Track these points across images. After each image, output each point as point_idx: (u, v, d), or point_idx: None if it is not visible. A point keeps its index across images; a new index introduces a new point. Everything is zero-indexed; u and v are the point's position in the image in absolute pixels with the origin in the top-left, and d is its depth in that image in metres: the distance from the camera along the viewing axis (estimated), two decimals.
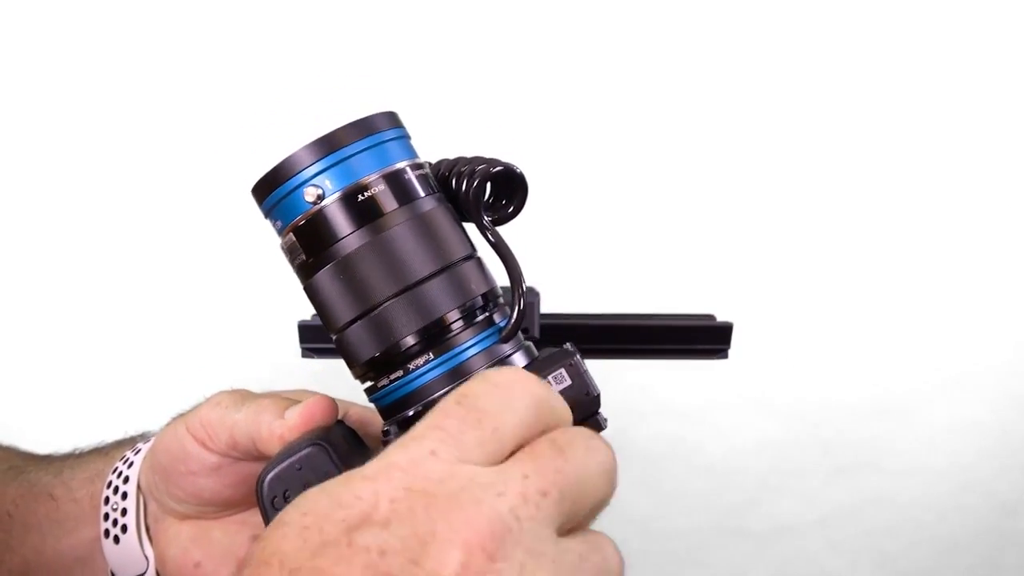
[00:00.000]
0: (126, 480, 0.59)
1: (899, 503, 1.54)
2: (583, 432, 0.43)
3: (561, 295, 0.69)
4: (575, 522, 0.41)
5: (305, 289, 0.48)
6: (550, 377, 0.47)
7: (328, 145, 0.47)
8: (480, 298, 0.48)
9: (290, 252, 0.48)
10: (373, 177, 0.47)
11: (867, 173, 1.48)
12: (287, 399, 0.54)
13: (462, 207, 0.49)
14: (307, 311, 0.66)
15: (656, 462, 1.52)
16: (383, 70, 1.42)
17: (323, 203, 0.46)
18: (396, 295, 0.46)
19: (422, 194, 0.48)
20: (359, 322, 0.47)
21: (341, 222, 0.46)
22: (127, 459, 0.60)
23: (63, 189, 1.40)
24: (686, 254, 1.42)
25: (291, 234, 0.47)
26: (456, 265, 0.47)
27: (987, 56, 1.48)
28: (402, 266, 0.46)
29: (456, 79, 1.40)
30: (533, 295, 0.64)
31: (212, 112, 1.40)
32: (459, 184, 0.49)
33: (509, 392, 0.41)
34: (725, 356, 0.66)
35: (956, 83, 1.47)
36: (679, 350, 0.66)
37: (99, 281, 1.40)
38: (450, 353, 0.47)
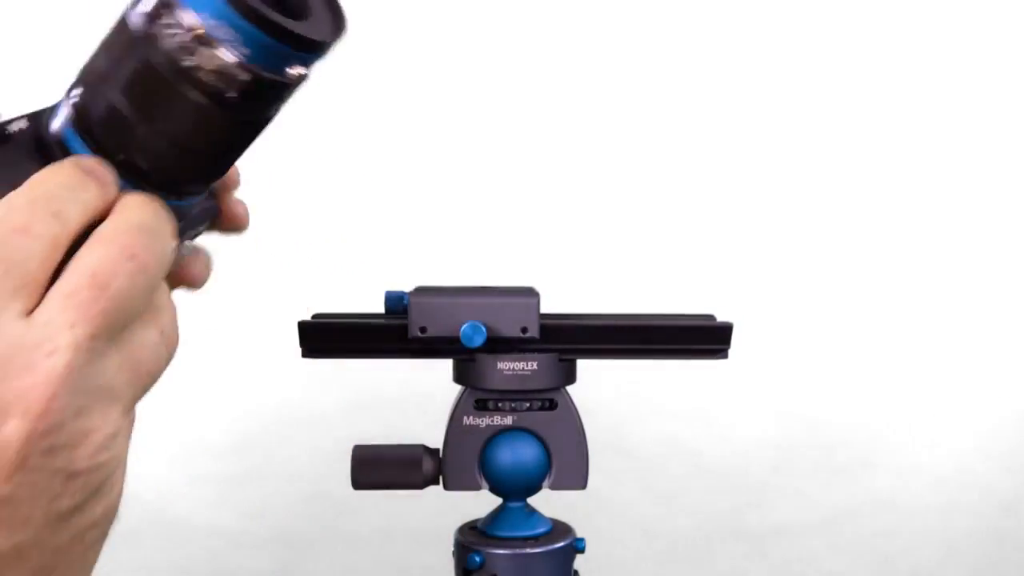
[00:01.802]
0: None
1: (899, 503, 1.54)
2: (122, 243, 0.40)
3: (561, 295, 0.69)
4: (122, 334, 0.40)
5: None
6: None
7: None
8: None
9: None
10: None
11: (865, 174, 1.48)
12: None
13: None
14: (307, 311, 0.66)
15: (656, 462, 1.52)
16: (383, 69, 1.42)
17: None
18: None
19: None
20: None
21: None
22: None
23: None
24: (686, 254, 1.42)
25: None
26: None
27: (993, 62, 1.48)
28: None
29: (458, 81, 1.40)
30: (533, 295, 0.65)
31: None
32: None
33: (41, 208, 0.39)
34: (725, 356, 0.66)
35: (959, 87, 1.47)
36: (679, 350, 0.66)
37: None
38: None
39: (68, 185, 0.41)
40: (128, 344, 0.40)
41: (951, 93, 1.47)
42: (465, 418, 0.65)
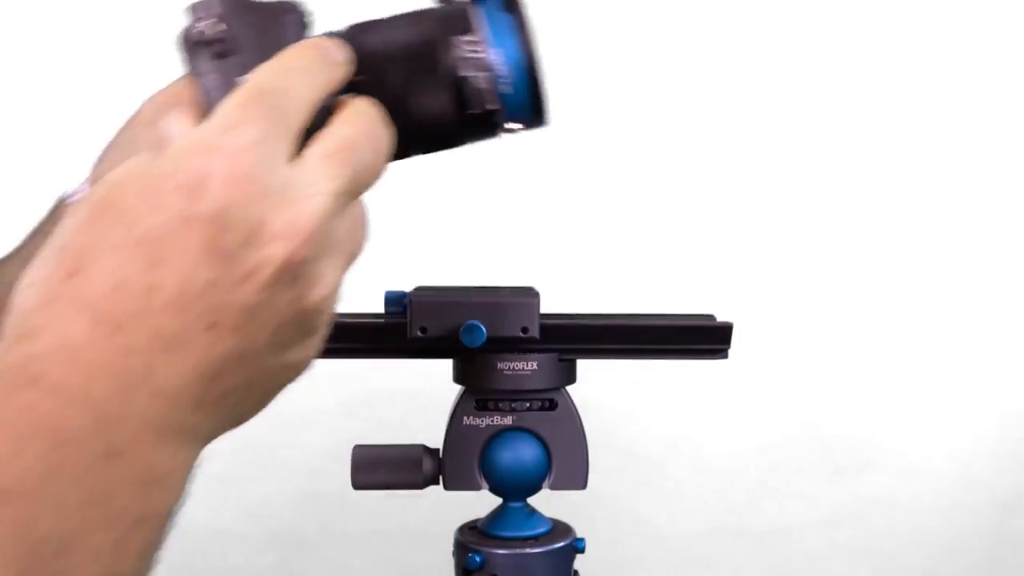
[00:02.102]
0: None
1: (899, 503, 1.54)
2: (363, 120, 0.49)
3: (561, 295, 0.69)
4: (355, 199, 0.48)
5: None
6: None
7: None
8: None
9: None
10: None
11: (866, 172, 1.48)
12: None
13: None
14: None
15: (656, 462, 1.52)
16: None
17: None
18: None
19: None
20: None
21: None
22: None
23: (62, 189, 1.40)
24: (686, 254, 1.42)
25: None
26: None
27: (992, 61, 1.48)
28: None
29: None
30: (533, 295, 0.65)
31: None
32: None
33: (297, 75, 0.47)
34: (725, 356, 0.66)
35: (959, 90, 1.47)
36: (679, 350, 0.66)
37: None
38: None
39: (313, 60, 0.49)
40: (351, 214, 0.48)
41: (951, 98, 1.47)
42: (465, 418, 0.65)
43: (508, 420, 0.65)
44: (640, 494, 1.52)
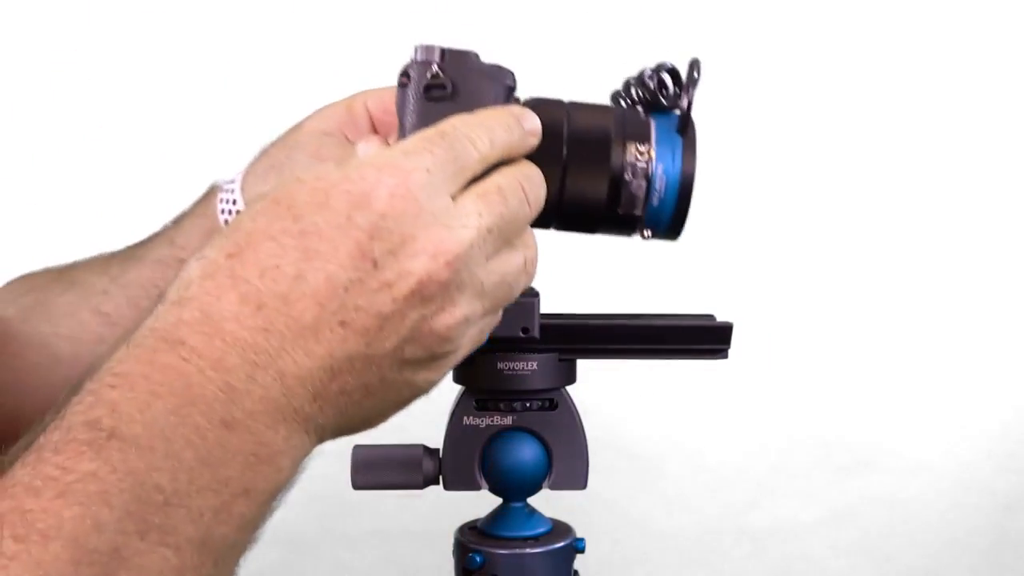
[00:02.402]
0: (234, 202, 0.72)
1: (899, 503, 1.54)
2: (520, 176, 0.53)
3: (561, 295, 0.69)
4: (502, 246, 0.52)
5: None
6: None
7: None
8: None
9: None
10: None
11: (866, 172, 1.48)
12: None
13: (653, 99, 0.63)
14: None
15: (656, 462, 1.52)
16: (382, 70, 1.42)
17: None
18: None
19: None
20: None
21: None
22: (227, 191, 0.73)
23: (64, 193, 1.40)
24: (686, 254, 1.42)
25: None
26: None
27: (991, 61, 1.48)
28: None
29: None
30: (533, 295, 0.65)
31: (211, 111, 1.40)
32: (645, 86, 0.63)
33: (485, 131, 0.52)
34: (725, 356, 0.66)
35: (957, 91, 1.47)
36: (679, 350, 0.66)
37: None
38: None
39: (507, 125, 0.54)
40: (501, 257, 0.51)
41: (949, 99, 1.47)
42: (465, 418, 0.65)
43: (508, 420, 0.65)
44: (640, 494, 1.52)
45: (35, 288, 0.79)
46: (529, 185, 0.53)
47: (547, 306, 0.65)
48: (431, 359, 0.50)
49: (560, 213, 0.61)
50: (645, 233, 0.63)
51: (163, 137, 1.40)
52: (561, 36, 1.41)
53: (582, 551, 0.67)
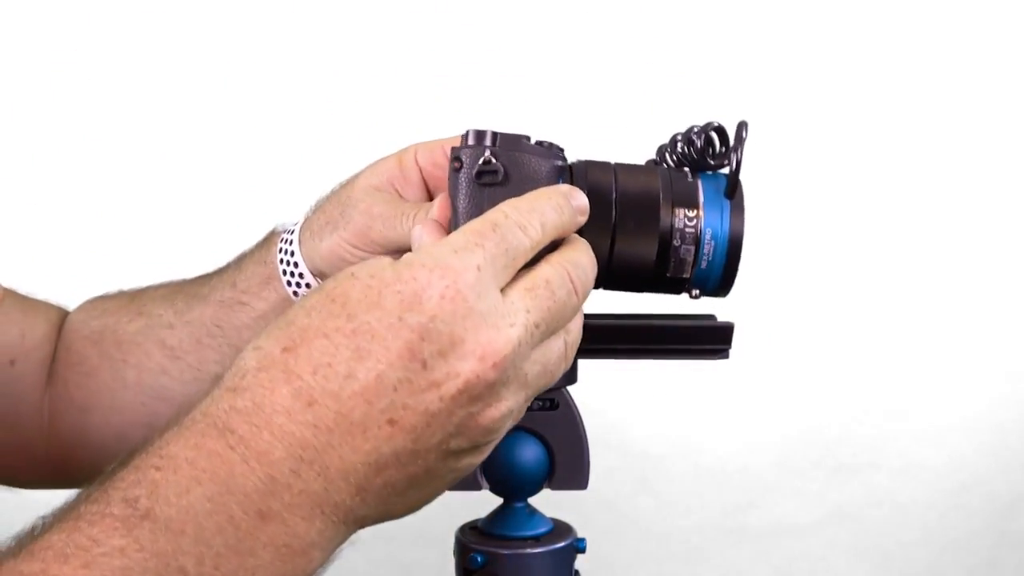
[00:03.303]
0: (292, 253, 0.73)
1: (899, 503, 1.54)
2: (568, 265, 0.54)
3: None
4: (548, 335, 0.53)
5: None
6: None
7: None
8: None
9: None
10: None
11: (867, 173, 1.48)
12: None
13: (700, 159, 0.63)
14: None
15: (656, 462, 1.52)
16: (382, 72, 1.42)
17: None
18: None
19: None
20: None
21: None
22: (286, 241, 0.75)
23: (64, 193, 1.40)
24: None
25: None
26: None
27: (990, 60, 1.48)
28: None
29: (458, 80, 1.40)
30: None
31: (211, 111, 1.40)
32: (692, 144, 0.63)
33: (537, 216, 0.53)
34: (726, 357, 0.66)
35: (956, 90, 1.47)
36: (679, 350, 0.66)
37: (102, 281, 1.40)
38: None
39: (557, 206, 0.55)
40: (546, 347, 0.52)
41: (948, 99, 1.47)
42: None
43: None
44: (640, 494, 1.52)
45: (107, 312, 0.83)
46: (577, 272, 0.54)
47: None
48: (475, 448, 0.51)
49: (608, 275, 0.62)
50: (693, 293, 0.64)
51: (162, 137, 1.40)
52: (604, 91, 1.41)
53: (583, 551, 0.67)
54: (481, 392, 0.49)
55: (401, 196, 0.72)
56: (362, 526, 0.51)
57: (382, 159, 0.73)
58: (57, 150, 1.40)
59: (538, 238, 0.53)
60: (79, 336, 0.83)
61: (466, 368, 0.49)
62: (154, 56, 1.37)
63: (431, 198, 0.72)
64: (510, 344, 0.49)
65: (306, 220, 0.75)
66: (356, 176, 0.74)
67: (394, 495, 0.50)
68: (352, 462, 0.48)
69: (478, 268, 0.50)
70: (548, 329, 0.52)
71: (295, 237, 0.75)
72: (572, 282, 0.53)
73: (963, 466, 1.54)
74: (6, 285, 0.83)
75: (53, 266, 1.38)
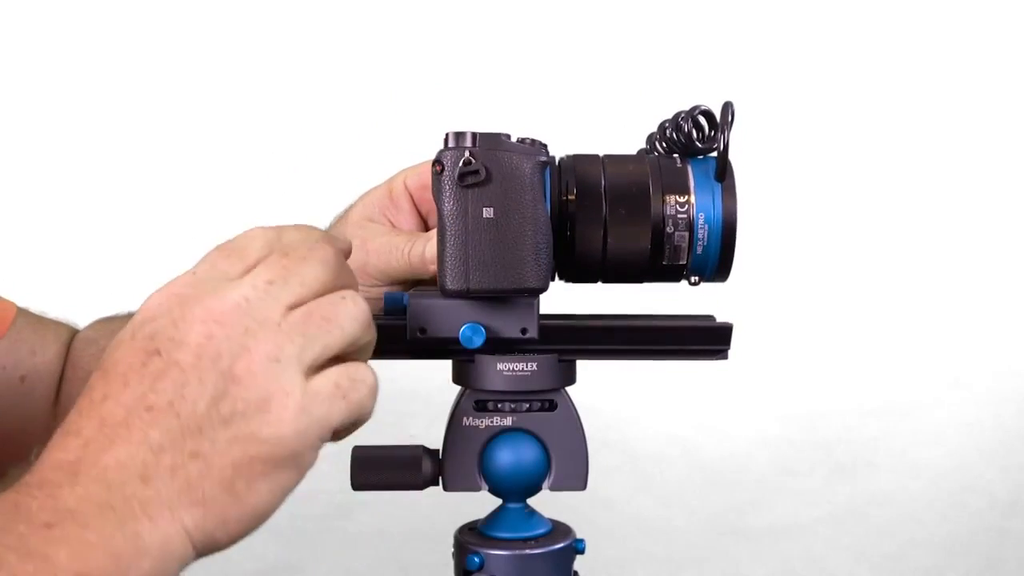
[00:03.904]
0: None
1: (899, 503, 1.54)
2: (305, 242, 0.55)
3: (561, 295, 0.69)
4: (312, 294, 0.54)
5: None
6: None
7: None
8: None
9: None
10: None
11: (868, 176, 1.48)
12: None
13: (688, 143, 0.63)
14: None
15: (656, 462, 1.52)
16: (381, 74, 1.42)
17: None
18: None
19: None
20: None
21: None
22: None
23: (65, 193, 1.40)
24: None
25: None
26: None
27: (989, 60, 1.48)
28: None
29: (457, 80, 1.40)
30: (532, 295, 0.64)
31: (211, 112, 1.40)
32: (680, 129, 0.63)
33: (255, 239, 0.55)
34: (725, 357, 0.66)
35: (955, 90, 1.47)
36: (679, 351, 0.66)
37: (104, 282, 1.40)
38: None
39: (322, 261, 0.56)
40: (300, 287, 0.54)
41: (946, 100, 1.47)
42: (465, 419, 0.64)
43: (508, 421, 0.64)
44: (640, 494, 1.52)
45: (115, 332, 0.83)
46: (315, 247, 0.56)
47: (547, 307, 0.65)
48: (257, 410, 0.51)
49: (605, 268, 0.62)
50: (692, 280, 0.64)
51: (162, 138, 1.40)
52: (590, 81, 1.41)
53: (582, 552, 0.67)
54: (219, 349, 0.51)
55: (394, 225, 0.73)
56: (204, 527, 0.51)
57: (373, 189, 0.74)
58: (73, 172, 1.41)
59: (265, 251, 0.55)
60: (86, 354, 0.84)
61: (195, 332, 0.51)
62: (153, 56, 1.37)
63: (424, 221, 0.73)
64: (229, 300, 0.52)
65: None
66: (349, 208, 0.75)
67: (195, 478, 0.50)
68: (126, 454, 0.50)
69: (192, 273, 0.54)
70: (288, 283, 0.53)
71: None
72: (312, 247, 0.55)
73: (963, 466, 1.54)
74: (19, 303, 0.83)
75: (64, 282, 1.38)
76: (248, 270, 0.54)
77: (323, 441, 0.53)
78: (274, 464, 0.52)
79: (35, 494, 0.49)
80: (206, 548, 0.51)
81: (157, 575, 0.49)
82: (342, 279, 0.56)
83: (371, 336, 0.56)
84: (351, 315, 0.54)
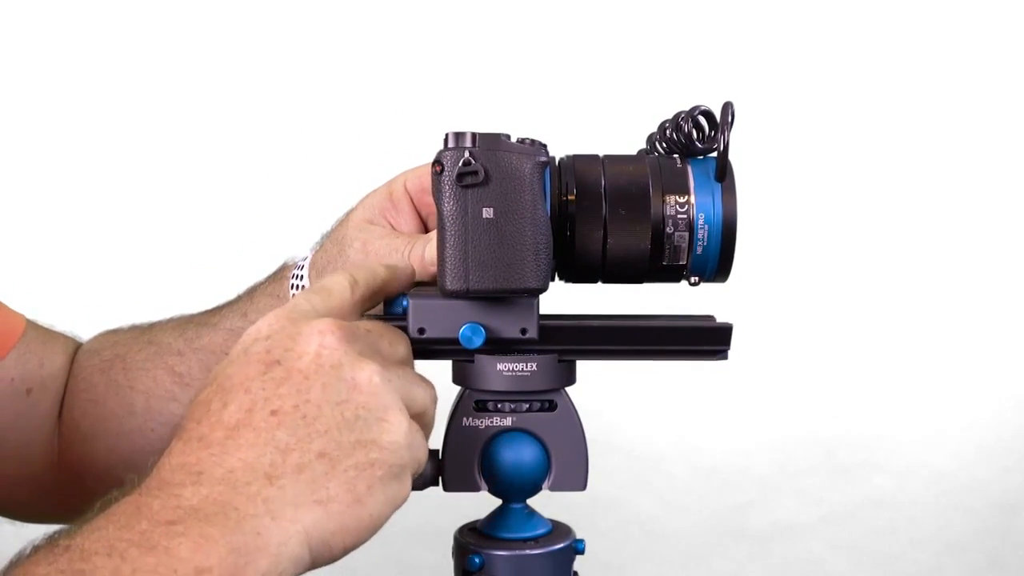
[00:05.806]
0: (302, 288, 0.76)
1: (899, 503, 1.54)
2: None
3: (561, 295, 0.69)
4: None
5: None
6: None
7: None
8: None
9: None
10: None
11: (868, 175, 1.48)
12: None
13: (689, 144, 0.63)
14: None
15: (656, 462, 1.52)
16: (382, 75, 1.42)
17: None
18: None
19: None
20: None
21: None
22: (297, 276, 0.78)
23: (65, 193, 1.40)
24: None
25: None
26: None
27: (989, 60, 1.48)
28: None
29: (457, 80, 1.40)
30: (532, 295, 0.64)
31: (211, 114, 1.40)
32: (680, 129, 0.63)
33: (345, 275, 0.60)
34: (725, 357, 0.66)
35: (955, 90, 1.47)
36: (679, 351, 0.66)
37: (105, 283, 1.40)
38: None
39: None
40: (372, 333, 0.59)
41: (945, 100, 1.47)
42: (464, 419, 0.64)
43: (508, 421, 0.64)
44: (640, 494, 1.52)
45: (118, 343, 0.86)
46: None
47: (547, 307, 0.65)
48: (377, 418, 0.54)
49: (605, 268, 0.63)
50: (692, 280, 0.64)
51: (161, 138, 1.40)
52: (591, 81, 1.41)
53: (582, 552, 0.67)
54: (339, 359, 0.54)
55: (394, 227, 0.74)
56: (313, 526, 0.52)
57: (373, 192, 0.75)
58: (74, 174, 1.41)
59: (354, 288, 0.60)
60: (88, 365, 0.85)
61: (313, 342, 0.54)
62: (152, 56, 1.37)
63: (424, 223, 0.74)
64: (341, 324, 0.56)
65: (312, 256, 0.77)
66: (350, 212, 0.76)
67: (318, 478, 0.52)
68: (253, 455, 0.51)
69: (305, 299, 0.58)
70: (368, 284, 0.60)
71: (305, 272, 0.77)
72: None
73: (963, 467, 1.54)
74: (28, 315, 0.84)
75: (64, 283, 1.38)
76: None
77: (414, 474, 0.56)
78: (391, 471, 0.54)
79: (156, 494, 0.50)
80: (320, 555, 0.53)
81: (273, 575, 0.50)
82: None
83: (432, 423, 0.60)
84: (432, 396, 0.59)
